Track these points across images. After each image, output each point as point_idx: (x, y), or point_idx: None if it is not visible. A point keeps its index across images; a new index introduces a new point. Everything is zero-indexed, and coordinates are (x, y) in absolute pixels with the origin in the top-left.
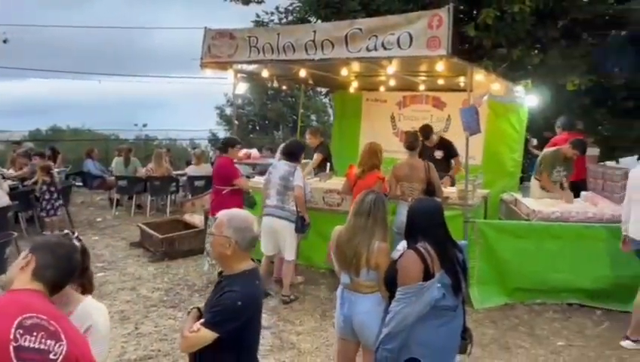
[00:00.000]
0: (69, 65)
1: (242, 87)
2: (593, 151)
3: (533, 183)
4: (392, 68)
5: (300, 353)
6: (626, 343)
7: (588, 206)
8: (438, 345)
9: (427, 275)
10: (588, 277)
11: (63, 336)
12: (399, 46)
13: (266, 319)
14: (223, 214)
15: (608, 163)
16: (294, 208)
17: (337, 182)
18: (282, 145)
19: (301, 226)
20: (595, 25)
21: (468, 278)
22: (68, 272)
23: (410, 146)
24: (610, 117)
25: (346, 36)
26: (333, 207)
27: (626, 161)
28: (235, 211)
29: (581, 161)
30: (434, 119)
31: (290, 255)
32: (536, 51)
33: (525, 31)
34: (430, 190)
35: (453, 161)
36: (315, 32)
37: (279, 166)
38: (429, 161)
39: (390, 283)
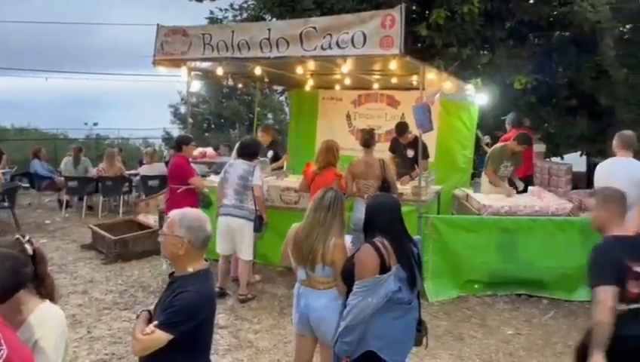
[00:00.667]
0: (13, 62)
1: (196, 85)
2: (540, 147)
3: (483, 179)
4: (346, 66)
5: (258, 351)
6: None
7: (535, 200)
8: (394, 338)
9: (384, 269)
10: (535, 269)
11: (3, 342)
12: (353, 45)
13: (223, 318)
14: (174, 213)
15: (554, 158)
16: (253, 207)
17: (294, 180)
18: (238, 144)
19: (259, 225)
20: (540, 26)
21: (423, 272)
22: (12, 286)
23: (365, 144)
24: (555, 114)
25: (300, 34)
26: (290, 205)
27: (570, 157)
28: (188, 210)
29: (529, 158)
30: (388, 117)
31: (247, 254)
32: (485, 51)
33: (475, 31)
34: (385, 187)
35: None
36: (269, 30)
37: (237, 165)
38: (401, 158)
39: (347, 277)
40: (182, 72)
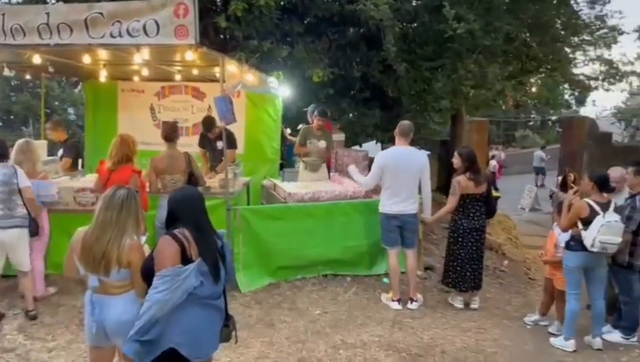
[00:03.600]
0: None
1: None
2: (340, 136)
3: (300, 167)
4: (140, 56)
5: None
6: (413, 305)
7: (335, 185)
8: (195, 334)
9: (185, 259)
10: (338, 249)
11: None
12: (146, 33)
13: (9, 340)
14: None
15: (354, 147)
16: (25, 211)
17: (90, 180)
18: None
19: (35, 229)
20: (335, 22)
21: (227, 266)
22: None
23: (167, 138)
24: (353, 106)
25: (85, 20)
26: (86, 206)
27: (367, 145)
28: None
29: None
30: (195, 109)
31: (27, 265)
32: (285, 45)
33: (274, 25)
34: (192, 181)
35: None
36: (48, 14)
37: None
38: (212, 152)
39: (148, 275)
40: None
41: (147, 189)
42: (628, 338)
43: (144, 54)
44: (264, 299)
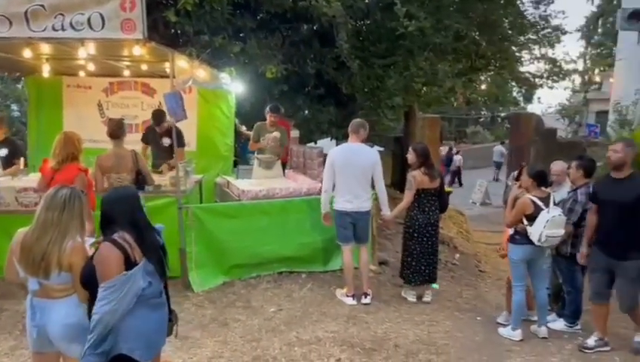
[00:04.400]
0: None
1: None
2: (294, 133)
3: (255, 164)
4: (85, 51)
5: None
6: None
7: (290, 182)
8: (146, 335)
9: (129, 264)
10: (293, 246)
11: None
12: (91, 27)
13: None
14: None
15: (309, 144)
16: None
17: (34, 179)
18: None
19: None
20: (288, 19)
21: (168, 261)
22: None
23: (113, 135)
24: (308, 102)
25: (26, 13)
26: (29, 207)
27: (322, 142)
28: None
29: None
30: (145, 106)
31: None
32: (237, 41)
33: (225, 20)
34: (140, 180)
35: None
36: None
37: None
38: (156, 147)
39: (88, 281)
40: None
41: (95, 189)
42: (572, 327)
43: (89, 49)
44: (218, 298)
